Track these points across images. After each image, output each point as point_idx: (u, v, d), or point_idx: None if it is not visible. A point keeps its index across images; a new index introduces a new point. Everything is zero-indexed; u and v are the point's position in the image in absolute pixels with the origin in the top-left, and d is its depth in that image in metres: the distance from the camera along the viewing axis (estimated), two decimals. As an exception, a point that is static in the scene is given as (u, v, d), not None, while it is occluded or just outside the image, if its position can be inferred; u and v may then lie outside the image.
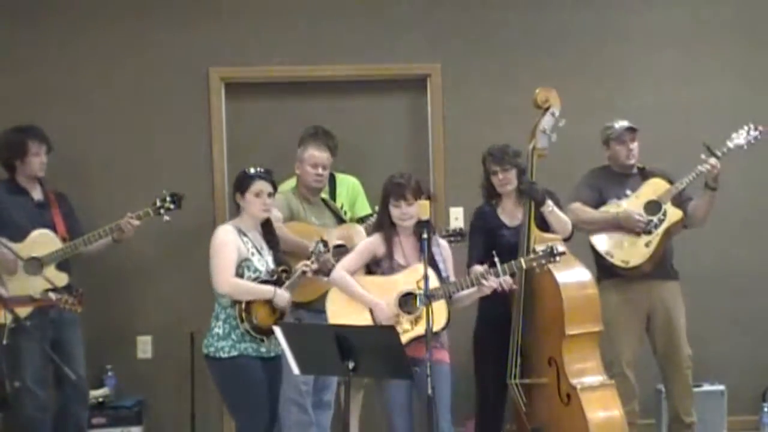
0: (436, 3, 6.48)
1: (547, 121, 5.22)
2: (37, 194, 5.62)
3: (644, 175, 5.71)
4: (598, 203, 5.64)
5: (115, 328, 6.29)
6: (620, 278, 5.54)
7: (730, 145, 5.54)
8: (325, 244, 4.99)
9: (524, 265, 4.79)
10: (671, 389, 5.77)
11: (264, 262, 4.93)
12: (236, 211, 5.06)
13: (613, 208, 5.59)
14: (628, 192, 5.64)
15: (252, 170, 4.98)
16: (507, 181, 5.22)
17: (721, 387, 6.21)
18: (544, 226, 5.18)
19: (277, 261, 5.00)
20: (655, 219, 5.51)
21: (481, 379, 5.30)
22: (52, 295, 5.09)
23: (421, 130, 6.54)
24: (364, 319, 4.73)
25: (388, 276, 4.77)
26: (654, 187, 5.60)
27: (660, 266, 5.59)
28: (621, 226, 5.54)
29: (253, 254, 4.90)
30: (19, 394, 5.18)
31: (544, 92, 5.26)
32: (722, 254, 6.12)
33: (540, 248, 4.82)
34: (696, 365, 5.76)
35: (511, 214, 5.27)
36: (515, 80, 6.46)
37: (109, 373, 6.19)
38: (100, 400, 6.07)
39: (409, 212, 4.74)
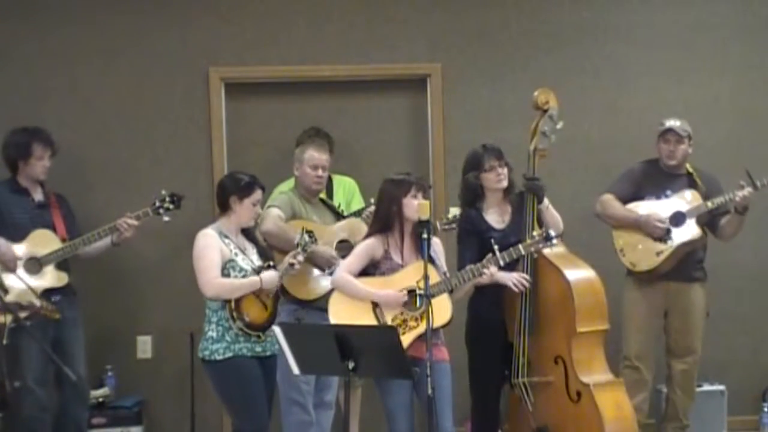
0: (436, 3, 6.48)
1: (547, 123, 5.22)
2: (38, 195, 5.62)
3: (691, 180, 5.74)
4: (633, 198, 5.71)
5: (115, 328, 6.29)
6: (640, 276, 5.65)
7: None
8: (311, 234, 4.99)
9: (523, 251, 4.82)
10: (675, 389, 5.83)
11: (249, 261, 4.94)
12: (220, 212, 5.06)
13: (642, 209, 5.64)
14: (668, 192, 5.68)
15: (248, 177, 4.99)
16: (504, 176, 5.16)
17: (721, 387, 6.21)
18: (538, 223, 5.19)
19: (262, 256, 5.01)
20: (674, 231, 5.56)
21: (477, 381, 5.29)
22: (35, 302, 5.06)
23: (421, 130, 6.53)
24: (367, 322, 4.72)
25: (387, 276, 4.77)
26: (690, 199, 5.64)
27: (681, 270, 5.65)
28: (641, 228, 5.60)
29: (236, 255, 4.90)
30: (19, 394, 5.18)
31: (544, 94, 5.25)
32: (722, 254, 6.11)
33: (535, 233, 4.87)
34: (696, 365, 5.80)
35: (497, 216, 5.20)
36: (515, 80, 6.46)
37: (109, 373, 6.19)
38: (100, 400, 6.06)
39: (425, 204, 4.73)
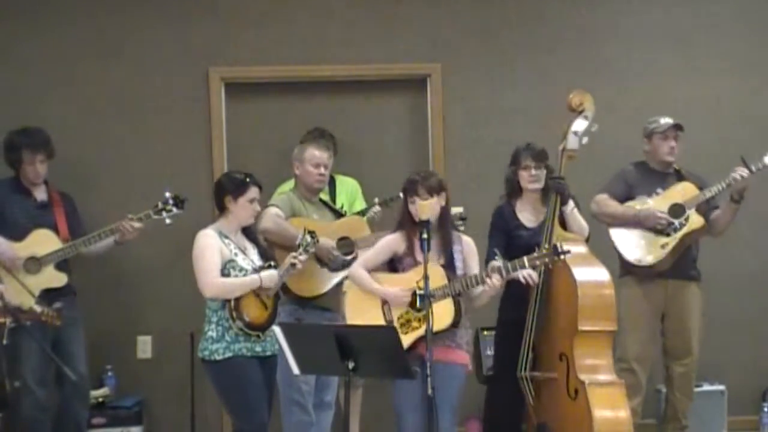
0: (436, 3, 6.48)
1: (579, 124, 5.23)
2: (40, 194, 5.62)
3: (680, 177, 5.73)
4: (626, 198, 5.69)
5: (115, 328, 6.29)
6: (639, 274, 5.62)
7: (767, 162, 5.51)
8: (313, 234, 4.99)
9: (527, 264, 4.74)
10: (674, 391, 5.81)
11: (249, 261, 4.93)
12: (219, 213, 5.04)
13: (638, 205, 5.64)
14: (659, 191, 5.67)
15: (242, 175, 4.98)
16: (538, 178, 5.20)
17: (721, 387, 6.22)
18: (562, 225, 5.18)
19: (263, 256, 5.01)
20: (676, 222, 5.55)
21: (496, 377, 5.30)
22: (36, 308, 5.03)
23: (421, 130, 6.53)
24: (375, 318, 4.76)
25: (400, 274, 4.79)
26: (683, 191, 5.63)
27: (679, 267, 5.64)
28: (641, 223, 5.59)
29: (236, 255, 4.89)
30: (19, 394, 5.18)
31: (579, 96, 5.28)
32: (722, 254, 6.12)
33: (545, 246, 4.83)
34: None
35: (530, 214, 5.25)
36: (515, 80, 6.47)
37: (109, 373, 6.20)
38: (100, 400, 6.07)
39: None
